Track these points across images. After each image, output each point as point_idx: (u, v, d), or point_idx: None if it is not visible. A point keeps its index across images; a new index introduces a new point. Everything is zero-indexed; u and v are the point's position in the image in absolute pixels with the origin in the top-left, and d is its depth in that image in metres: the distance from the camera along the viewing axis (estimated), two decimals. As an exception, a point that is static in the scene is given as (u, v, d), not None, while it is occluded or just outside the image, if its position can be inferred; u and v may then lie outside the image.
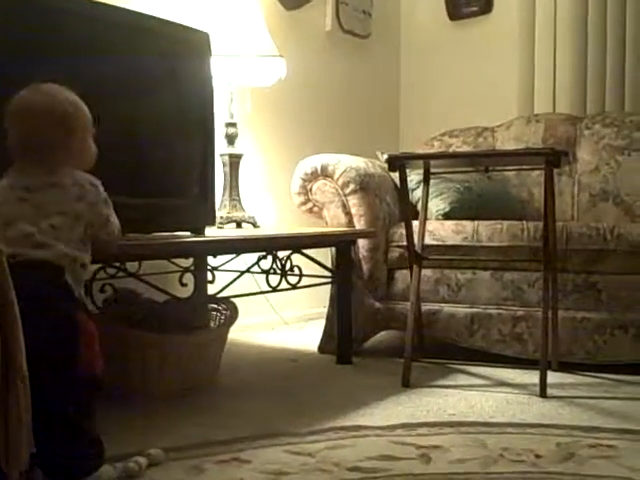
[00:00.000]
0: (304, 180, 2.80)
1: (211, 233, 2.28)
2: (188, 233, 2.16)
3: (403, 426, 1.87)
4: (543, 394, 2.17)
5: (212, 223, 2.30)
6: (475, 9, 3.95)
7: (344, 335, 2.63)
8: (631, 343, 2.40)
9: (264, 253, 2.44)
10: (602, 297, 2.45)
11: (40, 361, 1.35)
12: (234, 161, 2.89)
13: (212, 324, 2.35)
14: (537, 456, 1.65)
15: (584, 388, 2.28)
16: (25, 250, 1.43)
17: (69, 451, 1.41)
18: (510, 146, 3.24)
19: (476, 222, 2.62)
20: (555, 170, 2.28)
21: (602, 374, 2.41)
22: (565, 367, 2.44)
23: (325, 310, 2.78)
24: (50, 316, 1.41)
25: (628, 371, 2.41)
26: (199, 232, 2.17)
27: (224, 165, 2.88)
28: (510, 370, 2.44)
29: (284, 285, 2.46)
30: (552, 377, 2.27)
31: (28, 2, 1.78)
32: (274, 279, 2.44)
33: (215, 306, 2.36)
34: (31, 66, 1.73)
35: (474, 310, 2.59)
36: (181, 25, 2.20)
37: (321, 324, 2.81)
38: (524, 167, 2.85)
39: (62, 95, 1.58)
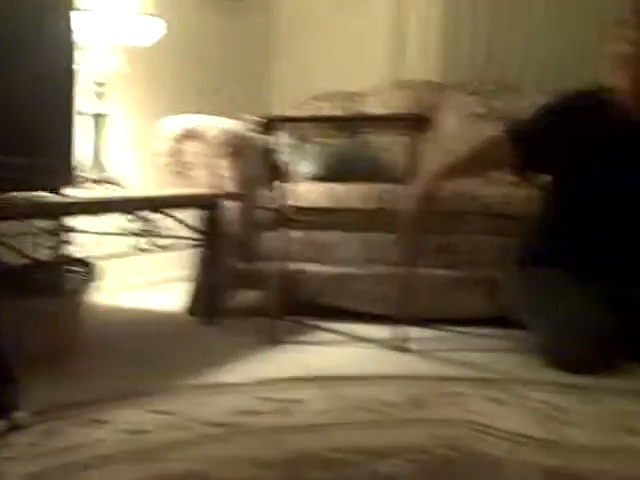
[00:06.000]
0: (173, 141, 2.76)
1: (72, 193, 2.21)
2: (46, 193, 2.09)
3: (263, 382, 1.90)
4: (402, 348, 2.26)
5: (71, 183, 2.22)
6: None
7: (210, 296, 2.64)
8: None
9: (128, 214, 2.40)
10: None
11: None
12: (100, 120, 2.81)
13: (71, 287, 2.29)
14: (391, 405, 1.73)
15: (441, 342, 2.40)
16: None
17: None
18: (379, 111, 3.31)
19: (343, 185, 2.67)
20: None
21: (459, 327, 2.54)
22: (425, 323, 2.54)
23: (190, 272, 2.76)
24: None
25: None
26: (56, 192, 2.10)
27: (92, 125, 2.80)
28: (372, 326, 2.52)
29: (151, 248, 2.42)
30: (412, 332, 2.33)
31: None
32: (141, 242, 2.40)
33: (74, 268, 2.30)
34: None
35: (339, 270, 2.66)
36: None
37: (186, 286, 2.78)
38: (391, 133, 2.92)
39: None
